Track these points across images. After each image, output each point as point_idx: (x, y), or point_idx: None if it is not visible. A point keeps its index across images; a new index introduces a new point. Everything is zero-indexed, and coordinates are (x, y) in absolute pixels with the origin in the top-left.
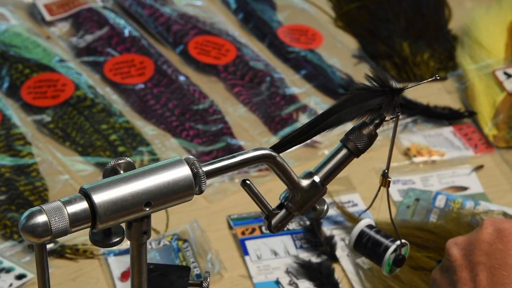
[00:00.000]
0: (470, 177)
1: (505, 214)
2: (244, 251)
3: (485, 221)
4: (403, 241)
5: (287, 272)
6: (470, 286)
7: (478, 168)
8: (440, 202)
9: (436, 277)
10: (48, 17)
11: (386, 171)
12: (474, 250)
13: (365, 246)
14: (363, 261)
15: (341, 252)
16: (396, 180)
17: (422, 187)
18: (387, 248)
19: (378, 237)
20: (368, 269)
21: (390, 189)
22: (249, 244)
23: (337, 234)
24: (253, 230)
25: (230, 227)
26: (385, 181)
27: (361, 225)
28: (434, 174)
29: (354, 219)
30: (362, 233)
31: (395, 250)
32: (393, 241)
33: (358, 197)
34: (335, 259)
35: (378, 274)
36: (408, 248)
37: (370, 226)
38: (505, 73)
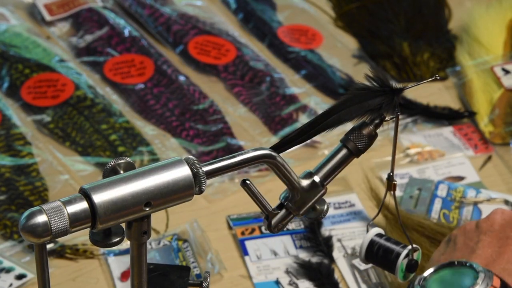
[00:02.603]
0: (465, 167)
1: (506, 202)
2: (244, 251)
3: None
4: (414, 246)
5: (287, 272)
6: (488, 251)
7: (488, 160)
8: (442, 191)
9: (467, 227)
10: (48, 17)
11: (391, 173)
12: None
13: (376, 254)
14: (359, 262)
15: (338, 253)
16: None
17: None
18: (398, 254)
19: (388, 244)
20: (364, 270)
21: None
22: (248, 244)
23: (335, 235)
24: (253, 230)
25: (230, 227)
26: (391, 184)
27: (371, 234)
28: (430, 166)
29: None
30: (372, 242)
31: (407, 255)
32: (404, 247)
33: (355, 197)
34: (332, 260)
35: (374, 276)
36: (420, 253)
37: (379, 235)
38: (503, 69)
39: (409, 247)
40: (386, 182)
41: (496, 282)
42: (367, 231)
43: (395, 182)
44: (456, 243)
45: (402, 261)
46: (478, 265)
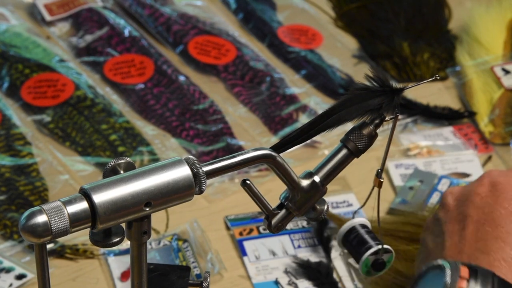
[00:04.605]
0: (473, 164)
1: None
2: (242, 252)
3: (484, 173)
4: (387, 247)
5: (286, 272)
6: (455, 239)
7: (488, 160)
8: (443, 186)
9: (429, 225)
10: (48, 17)
11: (380, 170)
12: (466, 202)
13: (351, 242)
14: (355, 261)
15: (334, 252)
16: (398, 164)
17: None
18: (368, 248)
19: (365, 236)
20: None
21: (392, 173)
22: (247, 244)
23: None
24: (251, 230)
25: (228, 228)
26: (377, 181)
27: (354, 221)
28: (437, 159)
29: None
30: (352, 229)
31: (376, 253)
32: (379, 245)
33: (353, 197)
34: (330, 259)
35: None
36: (393, 257)
37: (363, 226)
38: (503, 69)
39: (386, 246)
40: (374, 178)
41: (464, 271)
42: (353, 218)
43: (382, 180)
44: (427, 246)
45: (368, 256)
46: (444, 261)
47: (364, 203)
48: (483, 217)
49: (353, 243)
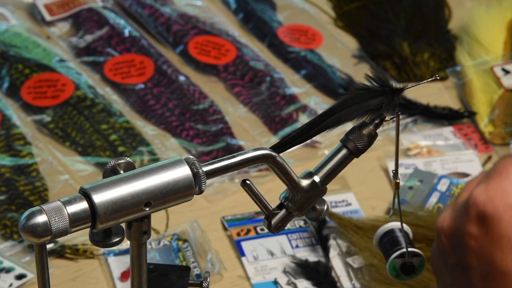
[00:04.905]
0: (473, 164)
1: None
2: (240, 252)
3: (469, 202)
4: (415, 250)
5: (285, 272)
6: None
7: (488, 160)
8: (443, 186)
9: (435, 257)
10: (48, 17)
11: (394, 171)
12: (461, 246)
13: (385, 243)
14: (353, 260)
15: (333, 251)
16: (399, 164)
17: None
18: (396, 250)
19: (399, 239)
20: (358, 268)
21: (390, 174)
22: (245, 245)
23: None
24: (248, 231)
25: (225, 229)
26: (393, 182)
27: (394, 224)
28: (437, 159)
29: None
30: (390, 231)
31: (402, 255)
32: (408, 248)
33: (353, 196)
34: (328, 258)
35: (367, 274)
36: (424, 261)
37: (400, 230)
38: (503, 69)
39: (411, 248)
40: (393, 180)
41: None
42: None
43: (398, 181)
44: (441, 279)
45: (395, 259)
46: None
47: (393, 207)
48: (486, 268)
49: (386, 245)
